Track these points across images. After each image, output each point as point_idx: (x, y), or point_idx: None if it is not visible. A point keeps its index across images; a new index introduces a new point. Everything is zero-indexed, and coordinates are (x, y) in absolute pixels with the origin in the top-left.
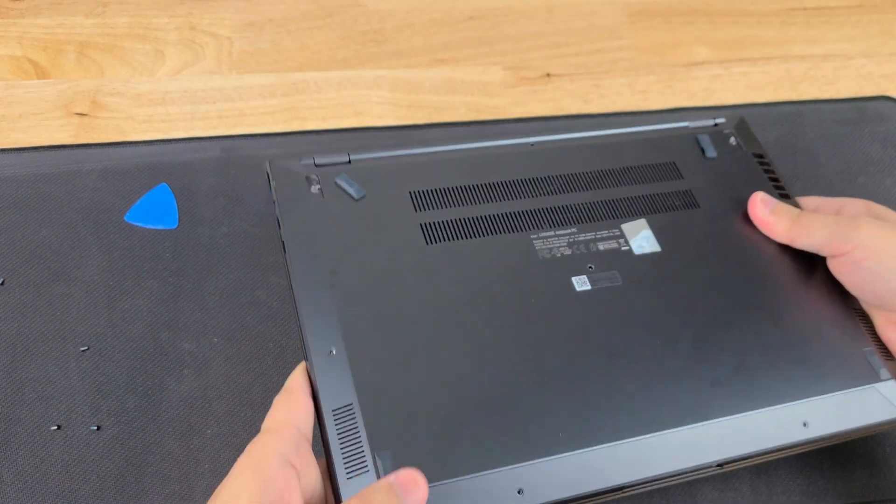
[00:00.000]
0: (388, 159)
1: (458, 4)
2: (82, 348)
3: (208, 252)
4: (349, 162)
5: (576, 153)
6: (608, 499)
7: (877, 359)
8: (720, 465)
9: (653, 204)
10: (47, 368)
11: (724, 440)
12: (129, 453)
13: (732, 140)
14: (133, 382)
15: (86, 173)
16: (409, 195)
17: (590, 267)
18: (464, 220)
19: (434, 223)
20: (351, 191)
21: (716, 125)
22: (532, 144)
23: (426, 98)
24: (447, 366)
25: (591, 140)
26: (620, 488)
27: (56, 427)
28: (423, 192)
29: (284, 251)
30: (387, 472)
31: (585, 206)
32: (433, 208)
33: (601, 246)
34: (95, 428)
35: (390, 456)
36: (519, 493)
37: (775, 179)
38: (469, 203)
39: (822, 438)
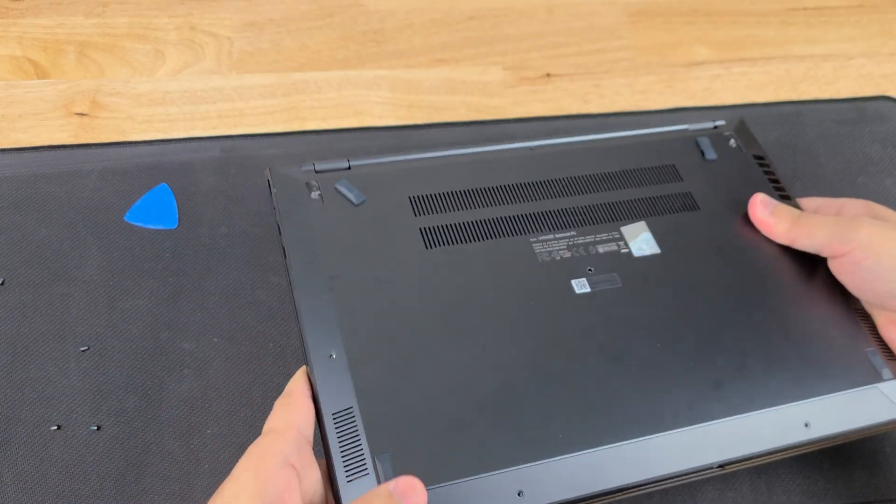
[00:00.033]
0: (388, 165)
1: (458, 4)
2: (82, 348)
3: (208, 252)
4: (349, 168)
5: (575, 157)
6: (609, 500)
7: (879, 358)
8: (721, 466)
9: (652, 206)
10: (47, 368)
11: (726, 441)
12: (129, 453)
13: (732, 142)
14: (133, 382)
15: (86, 173)
16: (408, 200)
17: (589, 269)
18: (463, 224)
19: (433, 227)
20: (351, 196)
21: (715, 127)
22: (531, 149)
23: (426, 98)
24: (447, 369)
25: (591, 144)
26: (621, 490)
27: (56, 427)
28: (422, 196)
29: (285, 256)
30: (387, 475)
31: (585, 209)
32: (433, 213)
33: (601, 248)
34: (95, 428)
35: (390, 459)
36: (519, 495)
37: (775, 181)
38: (468, 207)
39: (825, 439)
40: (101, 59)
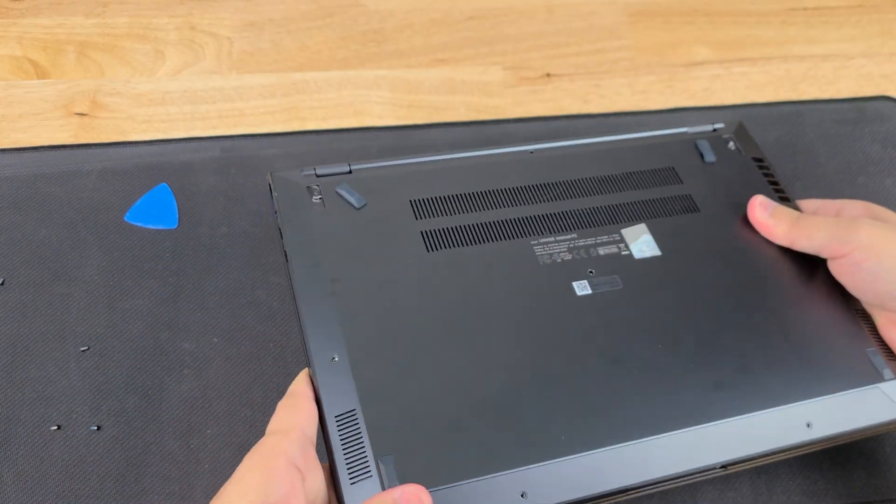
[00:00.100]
0: (389, 168)
1: (458, 4)
2: (82, 348)
3: (208, 252)
4: (350, 172)
5: (575, 160)
6: (611, 501)
7: (880, 358)
8: (724, 466)
9: (652, 209)
10: (47, 368)
11: (728, 442)
12: (129, 453)
13: (731, 145)
14: (133, 382)
15: (86, 173)
16: (409, 203)
17: (590, 272)
18: (464, 227)
19: (435, 231)
20: (352, 200)
21: (714, 130)
22: (531, 152)
23: (426, 98)
24: (449, 371)
25: (590, 147)
26: (623, 491)
27: (56, 427)
28: (423, 200)
29: (287, 260)
30: (390, 477)
31: (585, 211)
32: (434, 216)
33: (601, 251)
34: (95, 428)
35: (393, 461)
36: (522, 496)
37: (775, 183)
38: (469, 210)
39: (827, 439)
40: (101, 59)
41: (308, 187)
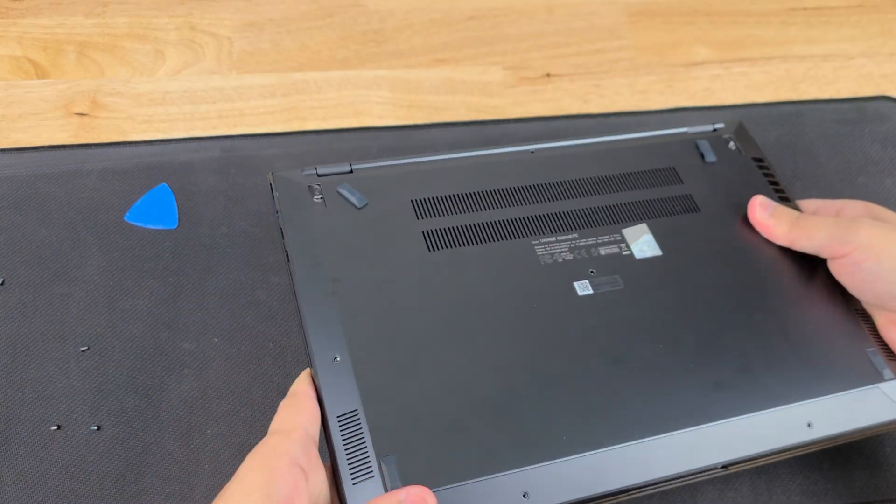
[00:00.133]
0: (390, 168)
1: (458, 4)
2: (82, 348)
3: (208, 252)
4: (351, 171)
5: (576, 159)
6: (613, 501)
7: (880, 358)
8: (725, 466)
9: (653, 209)
10: (47, 368)
11: (729, 442)
12: (129, 453)
13: (732, 145)
14: (133, 382)
15: (86, 173)
16: (410, 203)
17: (591, 272)
18: (465, 227)
19: (436, 230)
20: (353, 200)
21: (714, 130)
22: (532, 151)
23: (426, 98)
24: (451, 371)
25: (591, 146)
26: (625, 491)
27: (56, 427)
28: (424, 199)
29: (288, 260)
30: (392, 478)
31: (586, 211)
32: (435, 216)
33: (602, 251)
34: (95, 428)
35: (395, 461)
36: (524, 496)
37: (775, 183)
38: (470, 210)
39: (827, 439)
40: (101, 59)
41: (309, 187)
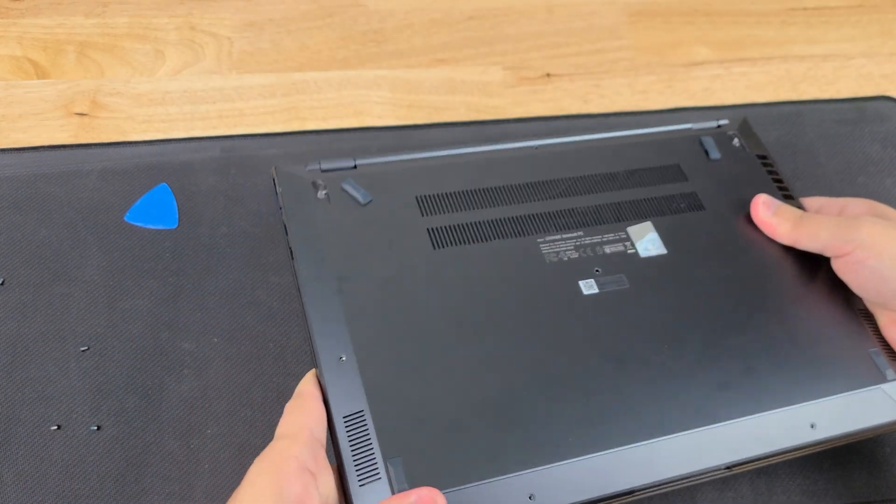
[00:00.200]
0: (394, 164)
1: (458, 4)
2: (82, 348)
3: (208, 252)
4: (355, 167)
5: (580, 156)
6: (616, 502)
7: (882, 359)
8: (728, 467)
9: (658, 206)
10: (47, 368)
11: (733, 443)
12: (129, 453)
13: (736, 141)
14: (133, 382)
15: (86, 173)
16: (415, 200)
17: (597, 270)
18: (470, 224)
19: (441, 228)
20: (357, 196)
21: (719, 126)
22: (536, 147)
23: (426, 98)
24: (456, 371)
25: (596, 143)
26: (630, 492)
27: (56, 427)
28: (429, 196)
29: (292, 257)
30: (399, 480)
31: (591, 209)
32: (440, 213)
33: (608, 249)
34: (95, 428)
35: (402, 463)
36: (530, 498)
37: (779, 180)
38: (475, 207)
39: (830, 440)
40: (101, 59)
41: (313, 183)
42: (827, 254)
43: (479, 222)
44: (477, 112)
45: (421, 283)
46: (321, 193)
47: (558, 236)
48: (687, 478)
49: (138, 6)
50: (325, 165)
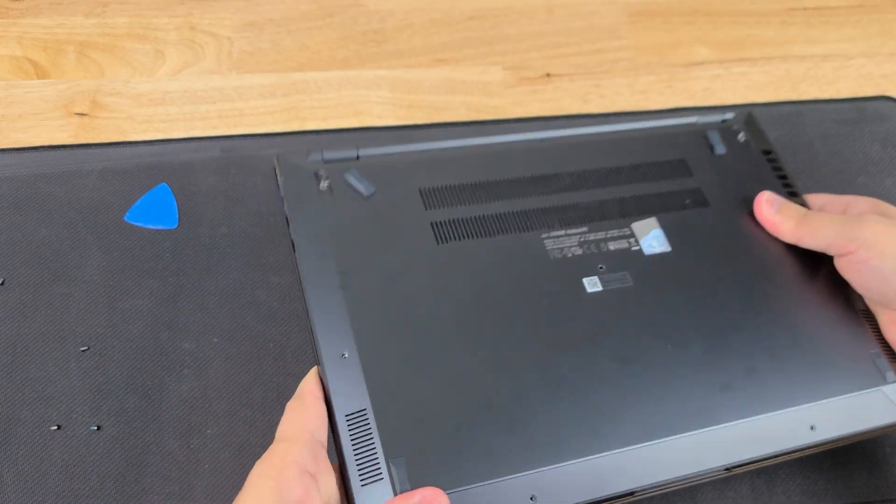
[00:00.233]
0: (398, 155)
1: (458, 4)
2: (82, 348)
3: (208, 252)
4: (358, 158)
5: (586, 149)
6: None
7: (883, 361)
8: (728, 468)
9: (663, 202)
10: (47, 368)
11: (733, 444)
12: (129, 453)
13: (741, 136)
14: (133, 382)
15: (86, 173)
16: (419, 192)
17: (601, 267)
18: (474, 218)
19: (445, 222)
20: (360, 188)
21: (724, 121)
22: (541, 140)
23: (426, 98)
24: (458, 370)
25: (602, 136)
26: (631, 493)
27: (56, 427)
28: (432, 189)
29: (294, 250)
30: (401, 480)
31: (596, 204)
32: (443, 206)
33: (612, 246)
34: (95, 428)
35: (405, 464)
36: (531, 499)
37: (783, 177)
38: (479, 201)
39: (829, 441)
40: (101, 59)
41: (316, 173)
42: (830, 252)
43: (483, 216)
44: (477, 112)
45: (423, 279)
46: (323, 185)
47: (562, 232)
48: (687, 479)
49: (138, 6)
50: (327, 156)
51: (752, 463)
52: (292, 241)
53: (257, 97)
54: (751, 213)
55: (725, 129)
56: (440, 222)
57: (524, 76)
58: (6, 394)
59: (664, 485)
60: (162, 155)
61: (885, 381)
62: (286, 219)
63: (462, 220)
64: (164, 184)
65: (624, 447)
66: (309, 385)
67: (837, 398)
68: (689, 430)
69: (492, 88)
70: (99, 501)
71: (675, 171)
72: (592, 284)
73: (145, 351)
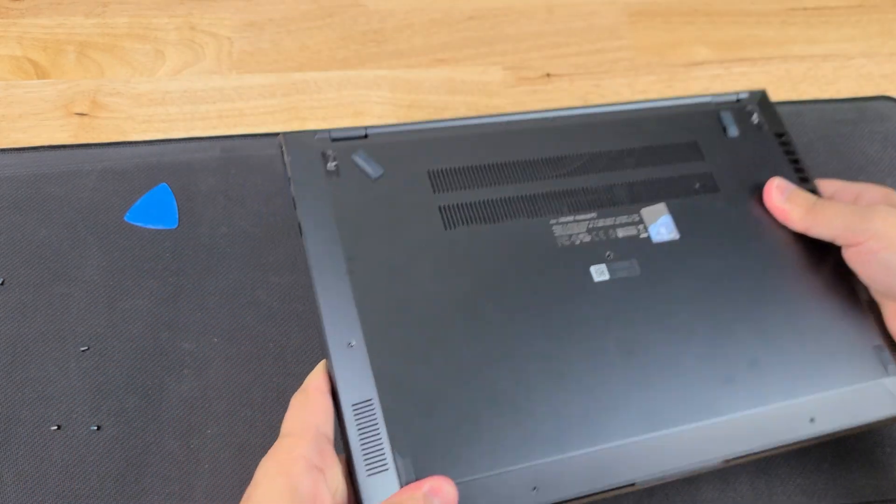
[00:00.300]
0: (406, 134)
1: (458, 4)
2: (82, 348)
3: (208, 252)
4: (366, 136)
5: (598, 130)
6: (618, 493)
7: (885, 353)
8: (727, 460)
9: (673, 187)
10: (47, 368)
11: (732, 436)
12: (129, 453)
13: (755, 118)
14: (133, 382)
15: (86, 173)
16: (427, 175)
17: (608, 255)
18: (483, 202)
19: (452, 206)
20: (368, 169)
21: (738, 101)
22: (553, 119)
23: (426, 98)
24: (464, 359)
25: (614, 115)
26: (632, 484)
27: (56, 427)
28: (441, 171)
29: (301, 233)
30: (407, 471)
31: (606, 188)
32: (452, 189)
33: (620, 232)
34: (95, 428)
35: (410, 454)
36: (533, 489)
37: (795, 160)
38: (488, 184)
39: (828, 434)
40: (101, 59)
41: (323, 153)
42: (839, 242)
43: (492, 200)
44: (477, 112)
45: (430, 266)
46: (331, 165)
47: (571, 218)
48: (686, 470)
49: (138, 6)
50: (334, 133)
51: (752, 455)
52: (299, 224)
53: (257, 97)
54: (760, 200)
55: (739, 110)
56: (448, 206)
57: (524, 76)
58: (6, 394)
59: (665, 476)
60: (162, 155)
61: (886, 374)
62: (292, 199)
63: (470, 204)
64: (164, 184)
65: (626, 438)
66: (315, 380)
67: (838, 390)
68: (692, 422)
69: (492, 88)
70: (99, 501)
71: (687, 155)
72: (600, 273)
73: (145, 351)
